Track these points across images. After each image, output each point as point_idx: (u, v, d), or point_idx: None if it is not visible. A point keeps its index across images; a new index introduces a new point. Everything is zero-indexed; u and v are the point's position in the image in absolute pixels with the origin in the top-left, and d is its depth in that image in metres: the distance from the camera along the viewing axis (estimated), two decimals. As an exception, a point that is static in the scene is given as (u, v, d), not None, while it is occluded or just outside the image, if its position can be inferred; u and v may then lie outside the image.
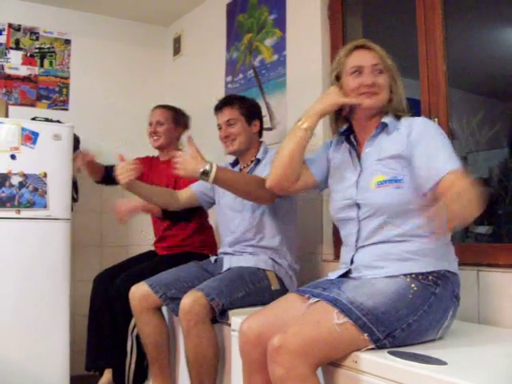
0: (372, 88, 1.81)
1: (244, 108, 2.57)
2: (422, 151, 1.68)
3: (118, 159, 2.49)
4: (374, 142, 1.84)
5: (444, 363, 1.38)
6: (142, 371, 2.76)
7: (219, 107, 2.60)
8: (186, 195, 2.70)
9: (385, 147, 1.79)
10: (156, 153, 3.29)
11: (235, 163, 2.68)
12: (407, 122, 1.79)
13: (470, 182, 1.48)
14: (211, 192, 2.71)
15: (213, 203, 2.75)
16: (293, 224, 2.52)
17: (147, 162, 3.23)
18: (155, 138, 3.11)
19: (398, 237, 1.71)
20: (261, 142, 2.64)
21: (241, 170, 2.64)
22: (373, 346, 1.52)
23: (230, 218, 2.59)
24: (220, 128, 2.59)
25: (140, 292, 2.48)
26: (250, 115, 2.58)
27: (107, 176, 3.20)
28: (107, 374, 2.85)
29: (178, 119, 3.12)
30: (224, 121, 2.56)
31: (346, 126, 1.96)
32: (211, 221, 3.08)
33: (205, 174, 2.17)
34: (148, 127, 3.16)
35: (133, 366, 2.71)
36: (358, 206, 1.80)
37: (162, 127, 3.08)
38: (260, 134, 2.65)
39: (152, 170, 3.20)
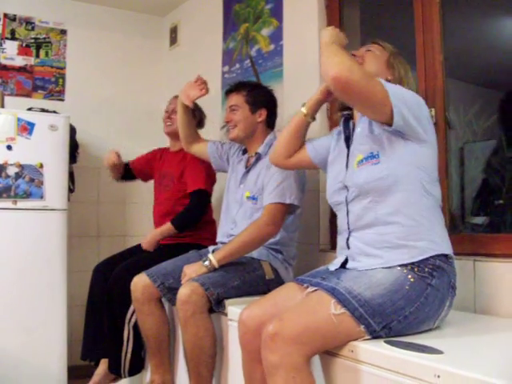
0: None
1: (250, 96, 2.55)
2: None
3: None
4: (362, 121, 1.84)
5: (440, 352, 1.38)
6: (138, 361, 2.76)
7: (228, 91, 2.61)
8: (199, 147, 2.83)
9: (365, 126, 1.80)
10: (167, 143, 3.30)
11: (245, 150, 2.68)
12: None
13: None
14: (224, 162, 2.77)
15: (223, 168, 2.81)
16: (295, 230, 2.52)
17: (158, 154, 3.29)
18: (168, 123, 3.15)
19: (386, 216, 1.70)
20: (269, 132, 2.60)
21: (248, 159, 2.63)
22: (369, 337, 1.53)
23: (232, 207, 2.60)
24: (226, 113, 2.61)
25: (141, 284, 2.48)
26: (256, 104, 2.55)
27: (126, 172, 3.30)
28: (103, 364, 2.85)
29: (193, 113, 3.12)
30: (228, 106, 2.57)
31: (349, 112, 1.97)
32: (214, 215, 3.07)
33: (208, 263, 2.31)
34: (164, 113, 3.21)
35: (129, 355, 2.71)
36: (347, 188, 1.81)
37: (176, 115, 3.09)
38: (269, 124, 2.61)
39: (162, 160, 3.24)
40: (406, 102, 1.65)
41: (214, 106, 3.41)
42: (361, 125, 1.84)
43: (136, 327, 2.65)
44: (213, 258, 2.31)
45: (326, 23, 2.78)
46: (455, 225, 2.34)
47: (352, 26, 2.75)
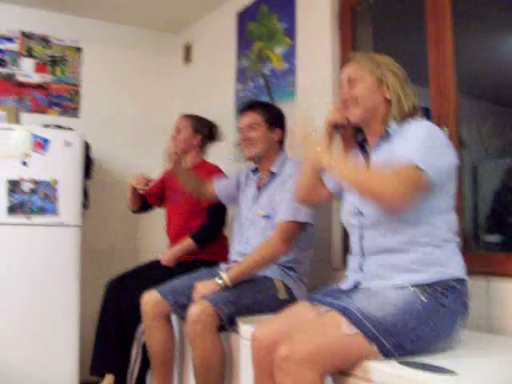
0: None
1: (267, 115, 2.57)
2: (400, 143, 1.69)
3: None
4: (379, 150, 1.82)
5: (453, 373, 1.37)
6: (143, 380, 2.76)
7: (243, 110, 2.61)
8: (209, 192, 2.80)
9: (384, 158, 1.75)
10: None
11: (255, 170, 2.69)
12: (408, 127, 1.74)
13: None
14: (234, 190, 2.75)
15: (234, 202, 2.78)
16: (307, 247, 2.51)
17: (168, 174, 3.27)
18: (174, 144, 3.15)
19: (401, 244, 1.69)
20: (281, 152, 2.61)
21: (260, 179, 2.64)
22: (381, 357, 1.52)
23: (245, 226, 2.60)
24: (240, 131, 2.59)
25: (152, 299, 2.49)
26: (273, 123, 2.57)
27: (143, 204, 3.29)
28: (108, 379, 2.85)
29: (197, 127, 3.15)
30: (245, 124, 2.55)
31: (362, 136, 1.95)
32: (226, 232, 3.08)
33: (221, 281, 2.30)
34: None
35: (135, 374, 2.71)
36: (362, 213, 1.80)
37: (180, 135, 3.12)
38: (281, 144, 2.62)
39: (173, 179, 3.23)
40: (441, 171, 1.64)
41: (227, 123, 3.43)
42: (378, 154, 1.82)
43: (145, 345, 2.65)
44: (226, 275, 2.31)
45: (338, 42, 2.80)
46: (468, 243, 2.33)
47: (364, 44, 2.76)
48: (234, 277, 2.31)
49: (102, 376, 2.92)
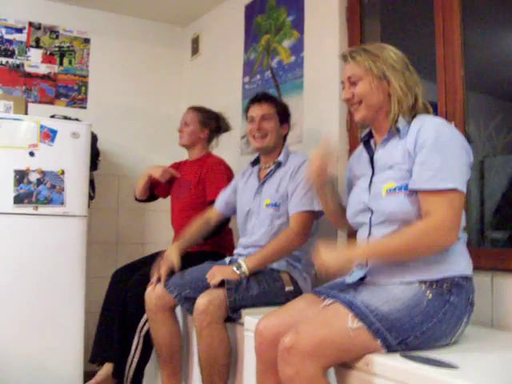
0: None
1: (279, 108, 2.59)
2: (417, 161, 1.65)
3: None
4: (386, 145, 1.81)
5: (456, 367, 1.38)
6: (140, 374, 2.75)
7: (258, 100, 2.59)
8: (215, 215, 2.79)
9: (395, 154, 1.74)
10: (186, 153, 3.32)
11: (255, 162, 2.69)
12: (418, 124, 1.71)
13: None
14: (234, 197, 2.75)
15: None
16: (314, 233, 2.51)
17: (174, 167, 3.30)
18: (180, 136, 3.18)
19: None
20: (284, 145, 2.62)
21: (260, 169, 2.65)
22: (385, 352, 1.52)
23: (248, 219, 2.60)
24: (252, 121, 2.57)
25: (155, 293, 2.50)
26: (283, 117, 2.60)
27: (150, 194, 3.31)
28: (107, 367, 2.86)
29: (204, 121, 3.15)
30: (259, 114, 2.54)
31: (367, 130, 1.95)
32: (231, 224, 3.08)
33: (240, 269, 2.31)
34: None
35: (134, 364, 2.71)
36: (371, 211, 1.79)
37: (188, 128, 3.13)
38: (285, 138, 2.64)
39: (179, 171, 3.24)
40: (466, 177, 1.64)
41: (234, 115, 3.43)
42: (385, 149, 1.81)
43: (146, 337, 2.67)
44: (245, 265, 2.32)
45: (346, 35, 2.79)
46: (474, 239, 2.33)
47: (373, 38, 2.75)
48: (252, 267, 2.32)
49: (103, 364, 2.94)
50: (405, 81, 1.77)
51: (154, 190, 3.29)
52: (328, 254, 1.70)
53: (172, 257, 2.56)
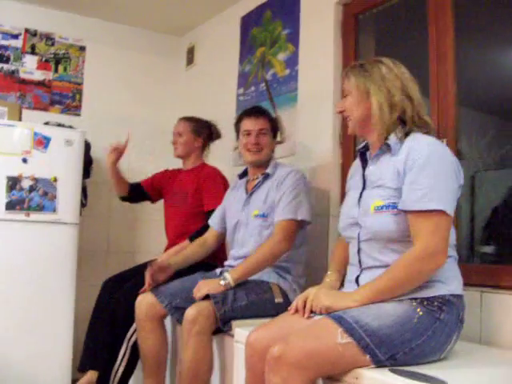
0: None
1: (273, 123, 2.64)
2: (407, 181, 1.66)
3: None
4: (378, 161, 1.81)
5: (445, 382, 1.38)
6: (126, 382, 2.73)
7: (254, 113, 2.61)
8: (212, 236, 2.79)
9: (385, 172, 1.74)
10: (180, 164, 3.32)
11: (242, 175, 2.71)
12: (410, 143, 1.71)
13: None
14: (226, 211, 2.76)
15: None
16: (301, 244, 2.53)
17: (167, 174, 3.32)
18: (175, 148, 3.19)
19: None
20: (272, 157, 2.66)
21: (248, 181, 2.66)
22: (373, 367, 1.52)
23: (237, 230, 2.61)
24: (248, 135, 2.57)
25: (146, 301, 2.50)
26: (275, 131, 2.65)
27: (132, 192, 3.30)
28: (90, 374, 2.83)
29: (198, 130, 3.17)
30: (257, 128, 2.56)
31: (364, 142, 1.96)
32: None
33: (224, 281, 2.31)
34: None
35: (119, 373, 2.68)
36: (359, 226, 1.79)
37: (181, 138, 3.14)
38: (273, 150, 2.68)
39: (172, 180, 3.26)
40: (454, 201, 1.67)
41: (227, 126, 3.43)
42: (376, 165, 1.82)
43: (134, 347, 2.66)
44: (229, 276, 2.32)
45: (341, 50, 2.82)
46: (464, 255, 2.34)
47: (367, 54, 2.78)
48: (237, 278, 2.33)
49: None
50: (389, 97, 1.75)
51: (144, 189, 3.30)
52: (325, 297, 1.72)
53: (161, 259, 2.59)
